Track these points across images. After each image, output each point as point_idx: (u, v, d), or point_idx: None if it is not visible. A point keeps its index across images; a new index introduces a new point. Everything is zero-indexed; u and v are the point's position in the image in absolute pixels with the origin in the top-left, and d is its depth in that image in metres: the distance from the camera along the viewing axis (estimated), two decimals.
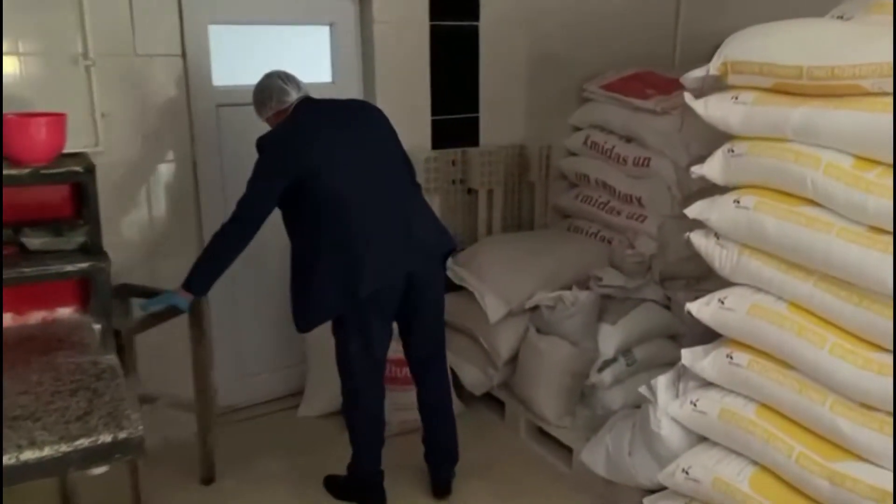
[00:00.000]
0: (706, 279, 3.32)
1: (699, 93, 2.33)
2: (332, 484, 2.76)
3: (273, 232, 3.15)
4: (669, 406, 2.26)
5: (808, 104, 1.98)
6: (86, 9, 2.59)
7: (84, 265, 2.00)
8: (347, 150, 2.37)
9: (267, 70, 3.06)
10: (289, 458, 2.98)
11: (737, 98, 2.17)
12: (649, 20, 3.90)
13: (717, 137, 3.19)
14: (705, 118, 2.26)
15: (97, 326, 2.14)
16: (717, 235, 2.24)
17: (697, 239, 2.29)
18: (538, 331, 3.05)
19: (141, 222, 2.89)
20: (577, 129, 3.75)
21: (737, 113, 2.16)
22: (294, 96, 2.46)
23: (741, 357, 2.13)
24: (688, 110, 3.25)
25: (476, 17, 3.43)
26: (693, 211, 2.28)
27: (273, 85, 2.46)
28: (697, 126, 3.20)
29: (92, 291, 2.08)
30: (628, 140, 3.48)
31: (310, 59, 3.23)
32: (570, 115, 3.72)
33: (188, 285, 2.46)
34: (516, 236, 3.60)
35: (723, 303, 2.19)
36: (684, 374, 2.33)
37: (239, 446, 3.04)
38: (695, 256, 3.24)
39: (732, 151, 2.20)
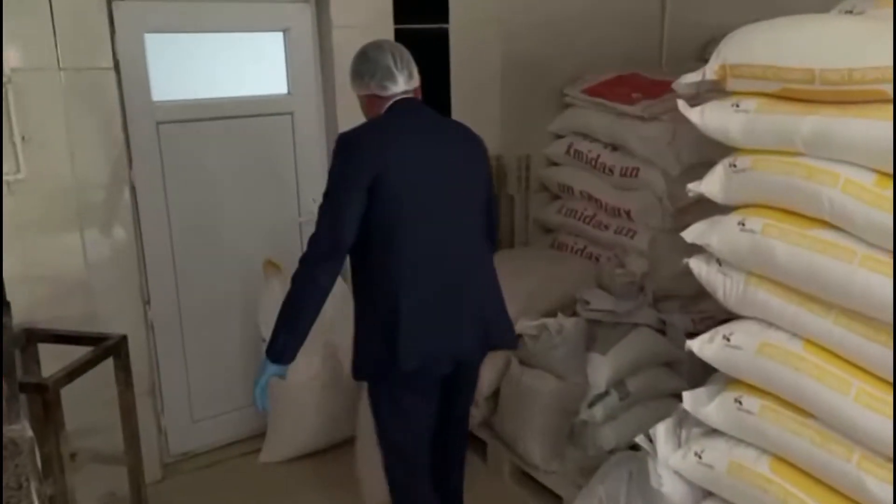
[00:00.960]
0: (702, 298, 3.08)
1: (694, 99, 2.05)
2: None
3: (223, 254, 2.89)
4: (671, 458, 1.99)
5: (822, 112, 1.72)
6: None
7: None
8: (425, 174, 1.94)
9: (213, 82, 2.81)
10: None
11: (738, 105, 1.90)
12: (632, 17, 3.65)
13: (710, 145, 2.97)
14: (702, 128, 1.98)
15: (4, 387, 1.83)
16: (719, 262, 1.97)
17: (697, 265, 2.02)
18: (521, 363, 2.78)
19: (72, 257, 2.57)
20: (559, 136, 3.48)
21: (738, 122, 1.89)
22: (399, 88, 1.98)
23: (752, 402, 1.86)
24: (678, 116, 3.04)
25: (445, 18, 3.16)
26: (691, 234, 2.01)
27: (381, 62, 1.97)
28: (688, 133, 2.98)
29: None
30: (614, 148, 3.22)
31: (262, 69, 2.93)
32: (550, 122, 3.46)
33: (271, 354, 1.97)
34: (497, 255, 3.30)
35: (728, 340, 1.91)
36: (686, 420, 2.06)
37: (193, 497, 2.75)
38: (689, 273, 3.01)
39: (734, 166, 1.93)
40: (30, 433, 1.70)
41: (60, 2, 2.40)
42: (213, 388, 2.99)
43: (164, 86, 2.69)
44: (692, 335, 2.90)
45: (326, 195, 1.91)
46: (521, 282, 2.96)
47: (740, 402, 1.88)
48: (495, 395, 2.86)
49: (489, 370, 2.84)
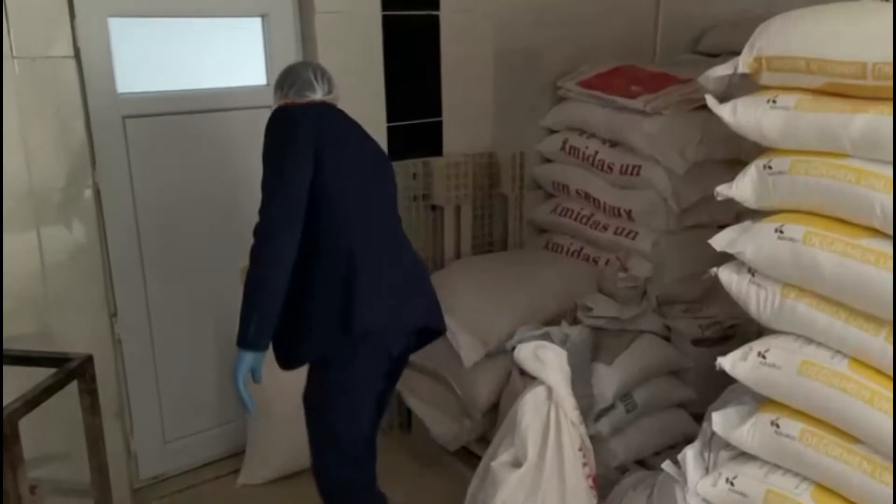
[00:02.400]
0: (707, 302, 2.95)
1: (723, 94, 1.89)
2: None
3: (197, 260, 2.66)
4: (700, 485, 1.83)
5: (874, 109, 1.57)
6: None
7: None
8: (360, 161, 2.03)
9: (185, 73, 2.56)
10: None
11: (774, 102, 1.74)
12: (626, 7, 3.49)
13: (719, 143, 2.82)
14: (733, 126, 1.82)
15: None
16: (752, 272, 1.81)
17: (727, 275, 1.86)
18: (522, 374, 2.59)
19: (29, 267, 2.31)
20: (553, 131, 3.31)
21: (775, 120, 1.73)
22: (317, 96, 2.03)
23: (791, 426, 1.71)
24: (682, 111, 2.89)
25: (436, 5, 2.96)
26: (721, 241, 1.84)
27: (301, 73, 2.04)
28: (694, 129, 2.83)
29: None
30: (613, 144, 3.06)
31: (239, 58, 2.69)
32: (543, 117, 3.27)
33: (244, 343, 1.87)
34: (489, 259, 3.13)
35: (764, 357, 1.76)
36: (714, 442, 1.90)
37: None
38: (694, 277, 2.88)
39: (770, 168, 1.77)
40: None
41: None
42: (186, 406, 2.76)
43: (131, 76, 2.43)
44: (699, 342, 2.82)
45: (275, 163, 1.88)
46: (520, 288, 2.80)
47: (777, 426, 1.74)
48: (493, 409, 2.68)
49: (487, 381, 2.66)
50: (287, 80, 2.04)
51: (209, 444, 2.85)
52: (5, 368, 2.18)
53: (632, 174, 2.95)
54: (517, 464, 1.99)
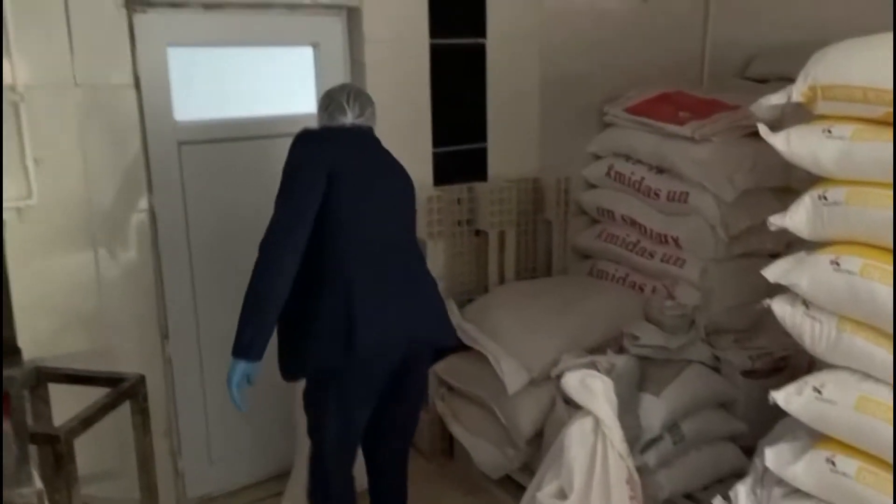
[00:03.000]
0: (757, 332, 2.88)
1: (775, 123, 1.86)
2: None
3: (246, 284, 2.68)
4: None
5: None
6: (10, 30, 2.11)
7: None
8: (371, 187, 2.07)
9: (239, 100, 2.63)
10: None
11: (830, 131, 1.72)
12: (673, 34, 3.47)
13: (769, 171, 2.78)
14: (787, 156, 1.79)
15: (10, 438, 1.64)
16: (806, 304, 1.77)
17: (781, 308, 1.82)
18: (567, 403, 2.57)
19: (87, 286, 2.39)
20: (598, 157, 3.29)
21: (831, 150, 1.71)
22: (348, 120, 2.11)
23: (848, 464, 1.66)
24: (731, 138, 2.86)
25: (483, 33, 2.98)
26: (774, 273, 1.81)
27: (335, 97, 2.13)
28: (744, 156, 2.79)
29: (5, 406, 1.58)
30: (660, 170, 3.03)
31: (291, 85, 2.75)
32: (589, 143, 3.26)
33: (238, 350, 1.97)
34: (533, 285, 3.12)
35: (819, 392, 1.71)
36: (767, 478, 1.85)
37: None
38: (743, 306, 2.83)
39: (825, 199, 1.74)
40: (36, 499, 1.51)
41: (78, 13, 2.23)
42: (232, 427, 2.78)
43: (187, 104, 2.51)
44: (749, 373, 2.76)
45: (286, 179, 1.98)
46: (565, 315, 2.78)
47: (833, 463, 1.69)
48: (537, 437, 2.65)
49: (531, 409, 2.64)
50: (323, 103, 2.15)
51: (255, 465, 2.87)
52: (61, 387, 2.25)
53: (679, 201, 2.91)
54: (563, 496, 1.97)
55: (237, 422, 2.80)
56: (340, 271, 1.99)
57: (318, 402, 2.13)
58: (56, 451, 1.85)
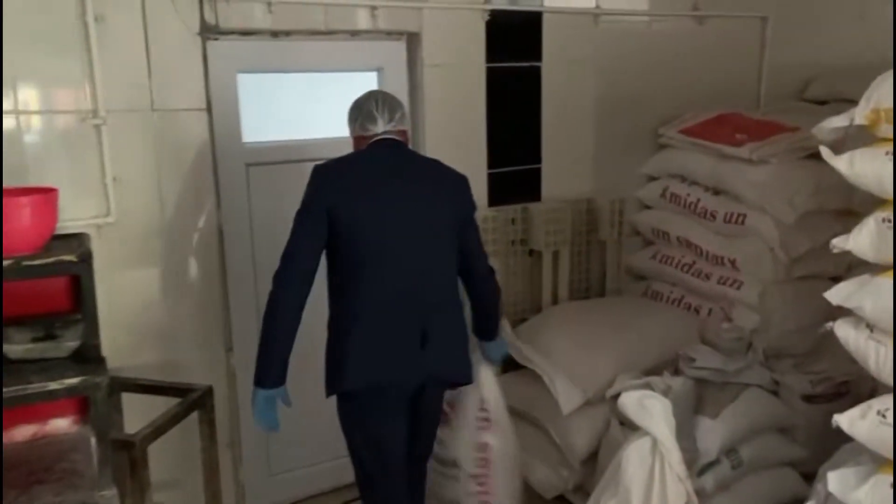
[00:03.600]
0: (817, 356, 2.84)
1: (836, 146, 1.86)
2: None
3: (308, 302, 2.75)
4: None
5: None
6: (95, 59, 2.24)
7: (74, 381, 1.60)
8: (385, 207, 2.04)
9: (305, 124, 2.72)
10: None
11: (892, 154, 1.71)
12: (730, 54, 3.48)
13: (829, 193, 2.75)
14: (850, 178, 1.79)
15: (94, 441, 1.73)
16: (870, 327, 1.76)
17: (844, 331, 1.81)
18: (622, 424, 2.57)
19: (158, 301, 2.50)
20: (653, 178, 3.30)
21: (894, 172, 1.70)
22: (378, 129, 2.11)
23: None
24: (789, 159, 2.84)
25: (538, 57, 3.03)
26: (837, 295, 1.81)
27: (364, 107, 2.13)
28: (803, 178, 2.77)
29: (89, 408, 1.67)
30: (716, 192, 3.02)
31: None
32: (644, 164, 3.28)
33: (255, 377, 2.08)
34: (587, 305, 3.13)
35: (884, 416, 1.70)
36: (829, 502, 1.83)
37: None
38: (803, 329, 2.79)
39: (889, 221, 1.73)
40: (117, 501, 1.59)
41: (156, 42, 2.36)
42: (292, 440, 2.85)
43: (255, 127, 2.61)
44: (809, 398, 2.72)
45: (294, 222, 2.04)
46: (619, 335, 2.78)
47: None
48: (592, 458, 2.65)
49: (586, 430, 2.65)
50: (352, 115, 2.16)
51: (314, 478, 2.92)
52: (133, 396, 2.34)
53: (737, 223, 2.90)
54: None
55: (297, 435, 2.86)
56: (349, 302, 2.05)
57: (341, 420, 2.18)
58: (131, 457, 1.93)
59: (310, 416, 2.85)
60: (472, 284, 2.28)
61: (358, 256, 2.02)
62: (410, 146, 2.26)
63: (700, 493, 2.40)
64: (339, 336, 2.08)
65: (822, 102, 3.37)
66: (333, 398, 2.17)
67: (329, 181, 2.03)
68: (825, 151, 1.82)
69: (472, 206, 2.21)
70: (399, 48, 2.81)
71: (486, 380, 2.37)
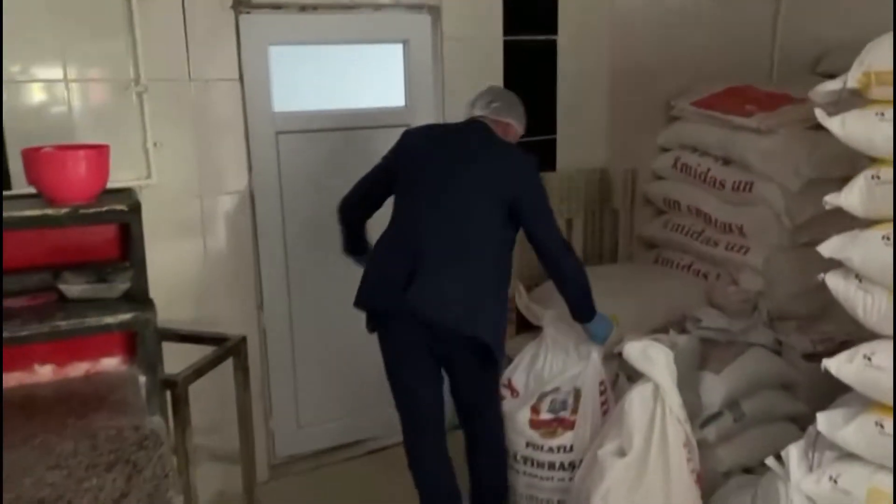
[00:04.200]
0: (822, 319, 2.94)
1: (833, 109, 1.97)
2: None
3: (336, 265, 2.92)
4: (803, 482, 1.90)
5: None
6: (137, 33, 2.42)
7: (127, 317, 1.78)
8: (439, 171, 2.28)
9: (333, 94, 2.88)
10: None
11: (883, 115, 1.82)
12: (743, 29, 3.54)
13: (834, 160, 2.84)
14: (842, 139, 1.90)
15: (143, 380, 1.91)
16: (859, 278, 1.88)
17: (835, 282, 1.93)
18: (629, 380, 2.70)
19: (194, 259, 2.68)
20: (666, 150, 3.40)
21: (883, 132, 1.81)
22: (475, 113, 2.43)
23: None
24: (797, 129, 2.93)
25: (554, 30, 3.16)
26: (829, 248, 1.92)
27: (473, 97, 2.47)
28: (809, 146, 2.87)
29: (138, 344, 1.85)
30: (726, 162, 3.12)
31: (382, 80, 2.98)
32: (657, 135, 3.38)
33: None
34: (598, 270, 3.23)
35: (870, 360, 1.82)
36: (819, 443, 1.96)
37: (301, 498, 2.85)
38: (808, 293, 2.89)
39: (878, 178, 1.85)
40: (165, 425, 1.78)
41: (193, 17, 2.52)
42: (320, 397, 3.03)
43: (285, 96, 2.77)
44: (811, 356, 2.83)
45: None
46: (628, 298, 2.90)
47: (882, 427, 1.79)
48: None
49: None
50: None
51: (339, 431, 3.11)
52: (172, 348, 2.52)
53: (744, 191, 3.00)
54: (622, 454, 2.12)
55: (324, 391, 3.05)
56: (383, 233, 2.35)
57: None
58: (174, 395, 2.12)
59: (337, 376, 3.05)
60: (546, 266, 2.42)
61: (401, 202, 2.33)
62: (502, 135, 2.40)
63: (703, 443, 2.54)
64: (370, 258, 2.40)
65: (836, 76, 3.44)
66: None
67: (402, 140, 2.38)
68: (819, 113, 1.93)
69: (525, 189, 2.30)
70: (424, 21, 2.94)
71: (597, 369, 2.46)
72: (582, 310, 2.45)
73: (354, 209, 2.47)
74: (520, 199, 2.28)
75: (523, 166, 2.33)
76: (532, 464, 2.47)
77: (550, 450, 2.43)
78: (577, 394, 2.44)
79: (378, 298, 2.30)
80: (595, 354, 2.48)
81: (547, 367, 2.54)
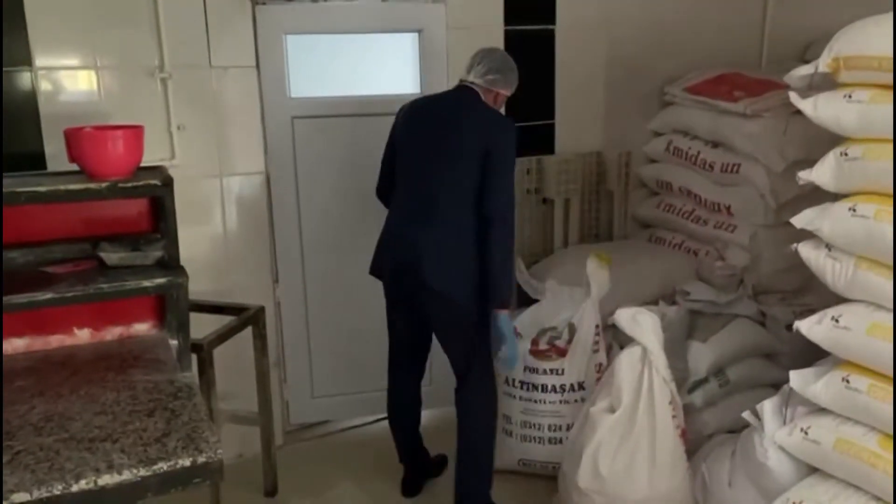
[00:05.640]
0: (804, 293, 3.12)
1: (806, 92, 2.14)
2: None
3: (347, 245, 3.09)
4: (777, 434, 2.08)
5: None
6: (161, 22, 2.58)
7: (162, 280, 1.96)
8: (418, 139, 2.48)
9: (348, 82, 3.05)
10: (358, 480, 2.92)
11: (850, 96, 1.99)
12: (733, 18, 3.70)
13: (816, 142, 3.01)
14: (814, 119, 2.07)
15: (174, 343, 2.09)
16: (828, 247, 2.05)
17: (806, 251, 2.10)
18: (622, 348, 2.88)
19: (213, 237, 2.86)
20: (659, 134, 3.57)
21: (850, 113, 1.98)
22: (466, 78, 2.52)
23: (860, 381, 1.94)
24: (781, 113, 3.10)
25: (552, 20, 3.31)
26: (801, 220, 2.09)
27: (474, 59, 2.52)
28: (793, 129, 3.03)
29: (169, 307, 2.04)
30: (715, 145, 3.29)
31: (395, 68, 3.12)
32: (650, 120, 3.55)
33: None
34: (593, 247, 3.43)
35: (837, 321, 1.99)
36: (792, 399, 2.14)
37: (315, 460, 3.04)
38: (791, 268, 3.07)
39: (846, 155, 2.01)
40: (195, 380, 1.96)
41: (213, 7, 2.68)
42: (332, 369, 3.20)
43: (301, 83, 2.93)
44: (792, 327, 3.00)
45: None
46: (622, 272, 3.06)
47: (848, 381, 1.96)
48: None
49: None
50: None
51: (351, 405, 3.28)
52: (197, 316, 2.68)
53: (732, 172, 3.17)
54: (612, 410, 2.30)
55: (336, 364, 3.21)
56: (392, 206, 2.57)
57: None
58: (200, 357, 2.30)
59: (350, 352, 3.20)
60: (480, 227, 2.37)
61: (397, 172, 2.53)
62: (490, 102, 2.51)
63: (690, 407, 2.72)
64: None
65: None
66: None
67: (399, 115, 2.55)
68: (793, 96, 2.10)
69: (495, 143, 2.36)
70: (439, 10, 3.04)
71: (594, 310, 2.74)
72: (496, 288, 2.37)
73: (387, 191, 2.61)
74: (490, 153, 2.34)
75: (499, 123, 2.44)
76: (528, 388, 2.77)
77: (545, 372, 2.75)
78: (572, 328, 2.77)
79: (376, 262, 2.58)
80: (589, 299, 2.76)
81: (546, 311, 2.87)
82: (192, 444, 1.57)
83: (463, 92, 2.50)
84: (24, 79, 2.44)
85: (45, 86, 2.47)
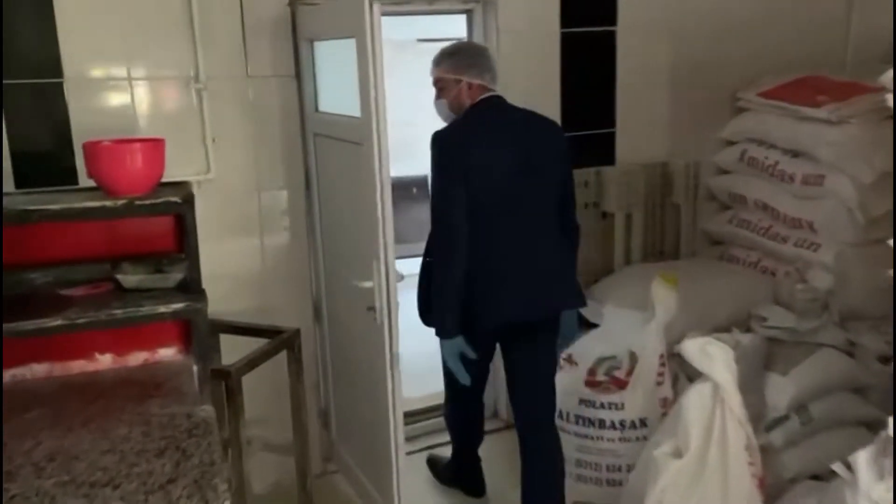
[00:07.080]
0: None
1: None
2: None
3: None
4: (873, 489, 1.79)
5: None
6: (197, 31, 2.47)
7: (179, 306, 1.82)
8: (501, 170, 2.23)
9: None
10: None
11: None
12: (813, 18, 3.41)
13: None
14: None
15: (196, 369, 1.96)
16: None
17: None
18: (690, 380, 2.62)
19: (251, 252, 2.73)
20: (731, 143, 3.30)
21: None
22: (486, 81, 2.33)
23: None
24: (871, 119, 2.79)
25: (613, 22, 3.08)
26: None
27: (492, 64, 2.36)
28: (884, 137, 2.72)
29: (192, 333, 1.89)
30: (795, 154, 3.00)
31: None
32: (721, 128, 3.28)
33: (437, 332, 2.29)
34: (659, 266, 3.16)
35: None
36: (889, 448, 1.84)
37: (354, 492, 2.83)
38: (884, 292, 2.74)
39: None
40: (215, 414, 1.80)
41: (250, 14, 2.56)
42: None
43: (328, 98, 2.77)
44: (886, 359, 2.68)
45: (437, 192, 2.22)
46: (687, 294, 2.80)
47: None
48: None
49: None
50: (486, 65, 2.34)
51: None
52: (230, 341, 2.57)
53: (814, 184, 2.88)
54: (678, 454, 2.05)
55: None
56: (474, 251, 2.23)
57: None
58: (228, 386, 2.16)
59: None
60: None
61: (481, 215, 2.21)
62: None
63: (768, 447, 2.44)
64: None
65: None
66: None
67: (458, 151, 2.20)
68: (890, 99, 1.82)
69: (565, 161, 2.42)
70: (476, 18, 2.91)
71: (658, 337, 2.51)
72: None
73: (462, 265, 2.21)
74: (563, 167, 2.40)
75: (564, 142, 2.41)
76: (584, 422, 2.55)
77: (602, 406, 2.53)
78: (633, 357, 2.53)
79: (502, 318, 2.29)
80: (653, 325, 2.52)
81: (604, 337, 2.65)
82: (198, 492, 1.42)
83: (503, 104, 2.34)
84: (54, 91, 2.35)
85: (75, 98, 2.38)
